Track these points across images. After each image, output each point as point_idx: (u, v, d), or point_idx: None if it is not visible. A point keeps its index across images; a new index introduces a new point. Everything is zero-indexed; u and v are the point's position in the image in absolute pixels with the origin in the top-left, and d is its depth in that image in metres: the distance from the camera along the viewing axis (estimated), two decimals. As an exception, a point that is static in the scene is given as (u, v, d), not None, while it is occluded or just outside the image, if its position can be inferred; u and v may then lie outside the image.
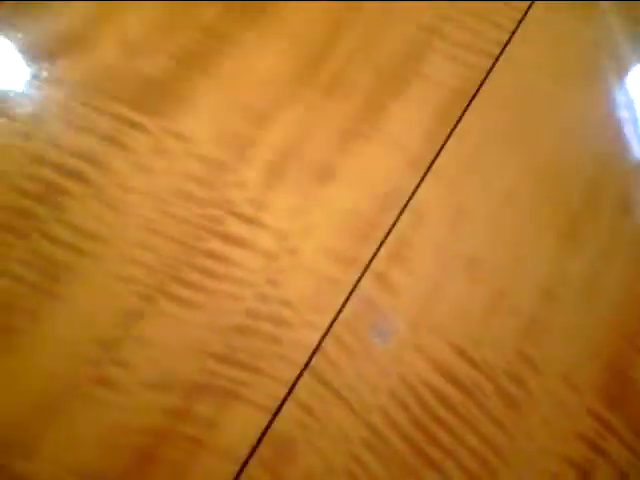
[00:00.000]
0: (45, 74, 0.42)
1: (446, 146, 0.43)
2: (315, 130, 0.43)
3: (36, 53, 0.42)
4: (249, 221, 0.39)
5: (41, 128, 0.41)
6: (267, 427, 0.35)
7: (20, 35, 0.43)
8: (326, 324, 0.38)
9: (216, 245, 0.39)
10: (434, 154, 0.42)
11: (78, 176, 0.40)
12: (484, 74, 0.45)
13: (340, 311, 0.38)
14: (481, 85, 0.45)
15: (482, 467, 0.36)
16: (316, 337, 0.37)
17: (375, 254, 0.40)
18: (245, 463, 0.34)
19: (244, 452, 0.35)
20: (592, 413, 0.38)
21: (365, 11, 0.47)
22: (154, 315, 0.37)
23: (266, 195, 0.40)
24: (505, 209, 0.42)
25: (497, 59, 0.46)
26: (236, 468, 0.34)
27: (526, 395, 0.37)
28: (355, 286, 0.39)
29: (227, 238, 0.39)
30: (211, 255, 0.38)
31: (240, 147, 0.41)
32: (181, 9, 0.45)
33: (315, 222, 0.40)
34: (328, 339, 0.37)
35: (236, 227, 0.39)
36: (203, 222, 0.39)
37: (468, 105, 0.44)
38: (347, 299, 0.38)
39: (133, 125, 0.41)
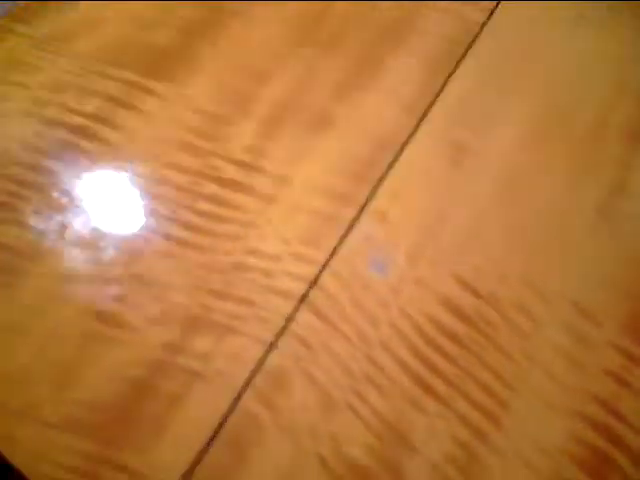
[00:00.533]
0: (61, 49, 0.44)
1: (444, 90, 0.42)
2: (313, 84, 0.43)
3: (53, 31, 0.45)
4: (248, 167, 0.39)
5: (58, 96, 0.43)
6: (263, 359, 0.34)
7: (38, 15, 0.46)
8: (324, 259, 0.37)
9: (216, 190, 0.38)
10: (431, 98, 0.41)
11: (92, 135, 0.41)
12: (479, 27, 0.44)
13: (338, 246, 0.37)
14: (477, 35, 0.44)
15: (490, 398, 0.33)
16: (314, 272, 0.36)
17: (373, 192, 0.38)
18: (240, 394, 0.33)
19: (239, 383, 0.33)
20: (614, 345, 0.34)
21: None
22: (155, 255, 0.37)
23: (265, 144, 0.40)
24: (508, 144, 0.40)
25: (492, 12, 0.45)
26: (231, 399, 0.33)
27: (536, 326, 0.34)
28: (353, 222, 0.38)
29: (226, 183, 0.39)
30: (211, 199, 0.38)
31: (241, 102, 0.42)
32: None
33: (313, 166, 0.39)
34: (326, 273, 0.36)
35: (235, 173, 0.39)
36: (204, 170, 0.39)
37: (465, 54, 0.43)
38: (345, 235, 0.37)
39: (142, 89, 0.43)
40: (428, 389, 0.33)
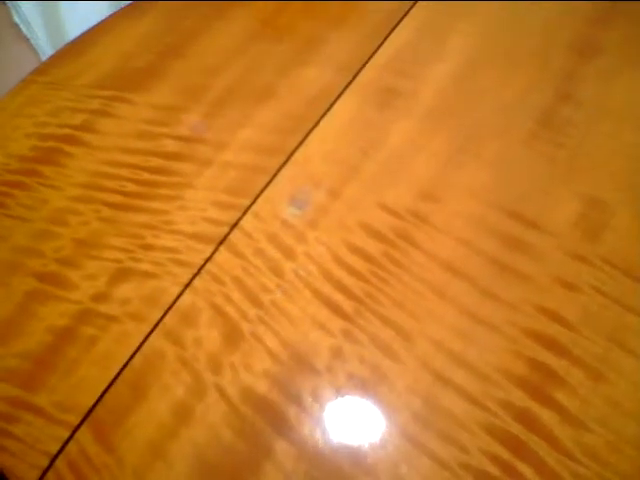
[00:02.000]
0: (66, 86, 0.50)
1: (378, 51, 0.40)
2: (260, 69, 0.43)
3: (62, 75, 0.52)
4: (191, 141, 0.40)
5: (56, 118, 0.48)
6: (176, 299, 0.32)
7: (55, 66, 0.53)
8: (247, 205, 0.35)
9: (160, 163, 0.39)
10: (366, 59, 0.40)
11: (75, 140, 0.44)
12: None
13: (261, 192, 0.35)
14: (415, 4, 0.43)
15: (405, 315, 0.27)
16: (236, 216, 0.34)
17: (300, 143, 0.37)
18: (149, 334, 0.31)
19: (151, 324, 0.31)
20: (561, 250, 0.28)
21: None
22: (97, 220, 0.37)
23: (210, 121, 0.41)
24: (442, 80, 0.36)
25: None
26: (141, 339, 0.31)
27: (469, 239, 0.29)
28: (278, 170, 0.36)
29: (170, 156, 0.39)
30: (154, 170, 0.38)
31: (195, 94, 0.43)
32: (166, 20, 0.52)
33: (250, 130, 0.39)
34: (246, 217, 0.34)
35: (179, 147, 0.40)
36: (154, 149, 0.40)
37: (402, 18, 0.42)
38: (269, 181, 0.35)
39: (119, 99, 0.46)
40: (337, 310, 0.28)
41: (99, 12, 0.59)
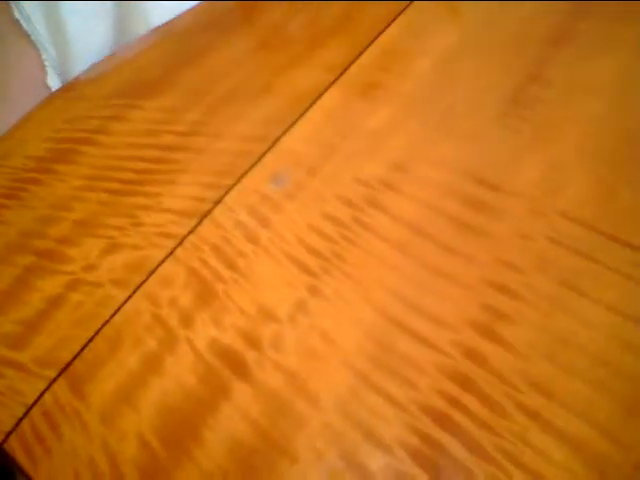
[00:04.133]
0: (82, 97, 0.55)
1: (366, 50, 0.43)
2: (259, 74, 0.47)
3: (82, 88, 0.57)
4: (189, 134, 0.43)
5: (72, 124, 0.52)
6: (157, 267, 0.34)
7: (77, 90, 0.58)
8: (231, 184, 0.37)
9: (157, 153, 0.42)
10: (354, 58, 0.43)
11: (89, 142, 0.48)
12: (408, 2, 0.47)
13: (245, 173, 0.37)
14: (405, 9, 0.46)
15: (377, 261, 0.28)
16: (220, 194, 0.37)
17: (285, 131, 0.39)
18: (130, 296, 0.33)
19: (132, 288, 0.33)
20: (529, 211, 0.28)
21: None
22: (97, 204, 0.40)
23: (207, 117, 0.44)
24: (421, 73, 0.39)
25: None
26: (121, 301, 0.33)
27: (429, 199, 0.30)
28: (263, 155, 0.38)
29: (167, 148, 0.42)
30: (151, 160, 0.42)
31: (198, 97, 0.47)
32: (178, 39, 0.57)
33: (243, 123, 0.42)
34: (230, 193, 0.36)
35: (176, 139, 0.43)
36: (154, 142, 0.44)
37: (391, 22, 0.45)
38: (254, 164, 0.38)
39: (131, 106, 0.50)
40: (306, 269, 0.30)
41: (101, 9, 0.59)
